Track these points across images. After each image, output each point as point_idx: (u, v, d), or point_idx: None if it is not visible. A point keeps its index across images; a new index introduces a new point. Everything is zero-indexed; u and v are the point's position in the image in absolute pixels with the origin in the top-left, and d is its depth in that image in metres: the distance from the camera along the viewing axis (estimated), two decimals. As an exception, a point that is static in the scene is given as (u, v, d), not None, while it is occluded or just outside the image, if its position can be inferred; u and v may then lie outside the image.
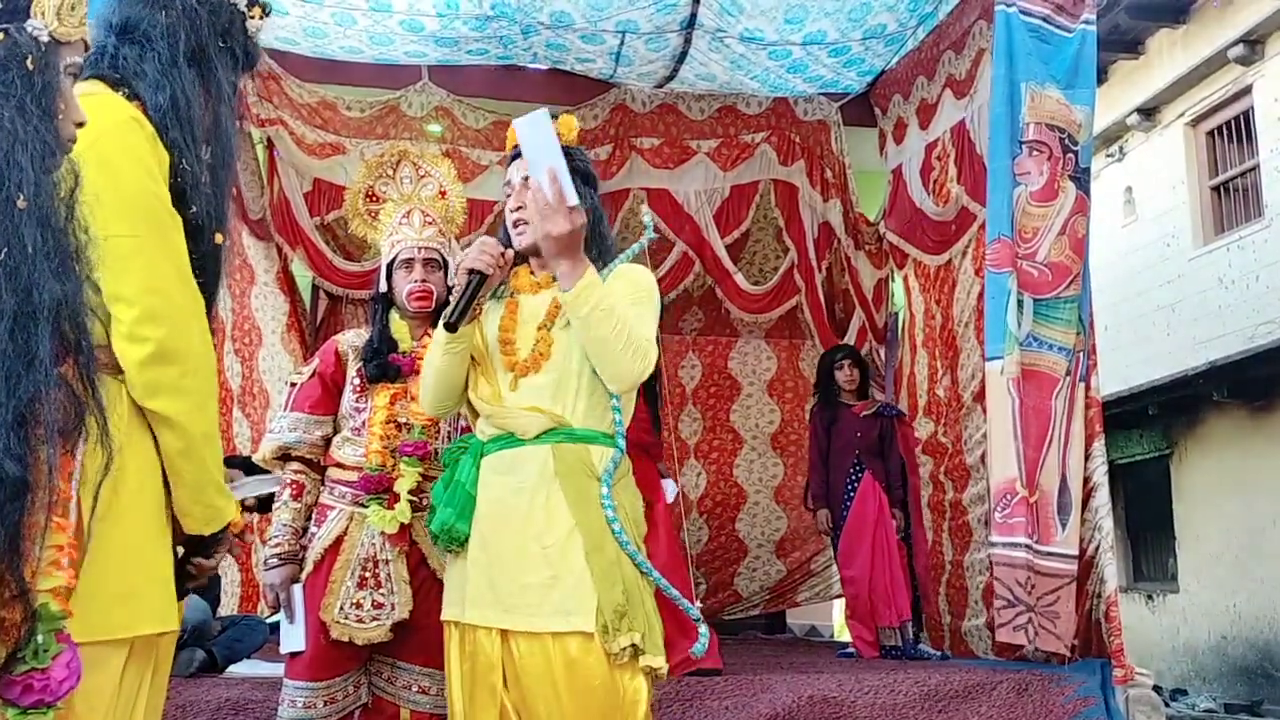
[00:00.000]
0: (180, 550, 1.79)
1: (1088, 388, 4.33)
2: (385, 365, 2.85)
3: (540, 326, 2.29)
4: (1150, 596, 11.24)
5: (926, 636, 5.78)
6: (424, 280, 2.87)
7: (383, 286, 2.94)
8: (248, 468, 3.59)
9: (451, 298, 2.28)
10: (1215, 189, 10.63)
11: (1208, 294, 10.32)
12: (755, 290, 6.90)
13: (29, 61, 1.40)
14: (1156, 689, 4.28)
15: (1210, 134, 10.67)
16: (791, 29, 5.62)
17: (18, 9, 1.41)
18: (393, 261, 2.91)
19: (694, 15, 5.48)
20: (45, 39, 1.43)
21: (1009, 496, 4.21)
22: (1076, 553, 4.21)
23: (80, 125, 1.51)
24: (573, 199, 2.13)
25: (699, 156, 6.66)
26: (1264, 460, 9.70)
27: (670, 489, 4.54)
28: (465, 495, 2.27)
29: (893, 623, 5.42)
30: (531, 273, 2.40)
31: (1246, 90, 9.95)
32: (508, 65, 6.16)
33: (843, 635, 7.06)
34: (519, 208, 2.36)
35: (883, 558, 5.47)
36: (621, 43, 5.75)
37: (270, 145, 6.12)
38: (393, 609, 2.73)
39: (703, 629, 2.39)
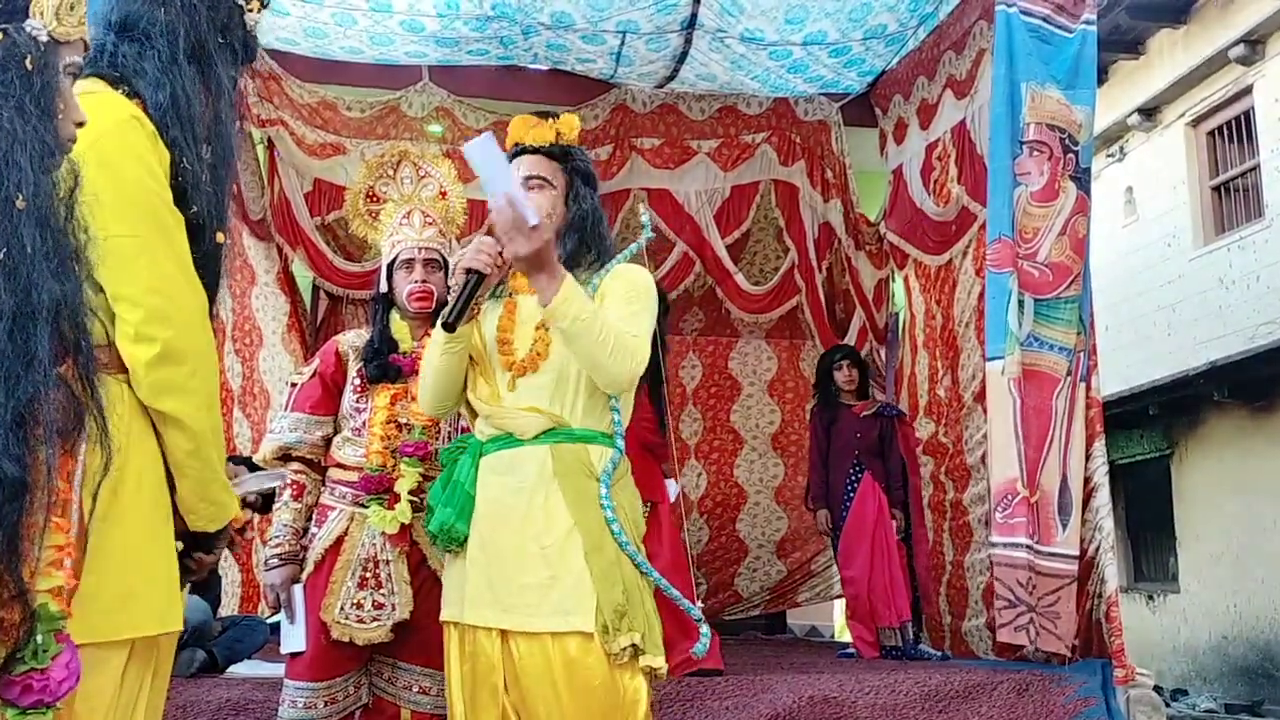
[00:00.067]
0: (180, 545, 1.79)
1: (1088, 388, 4.33)
2: (386, 365, 2.85)
3: (538, 326, 2.29)
4: (1151, 597, 11.24)
5: (927, 637, 5.77)
6: (424, 281, 2.87)
7: (383, 287, 2.94)
8: (248, 468, 3.59)
9: (450, 298, 2.28)
10: (1216, 189, 10.63)
11: (1208, 294, 10.31)
12: (756, 290, 6.91)
13: (27, 61, 1.39)
14: (1157, 689, 4.28)
15: (1211, 134, 10.67)
16: (792, 29, 5.62)
17: (16, 9, 1.41)
18: (393, 262, 2.91)
19: (694, 15, 5.48)
20: (44, 39, 1.42)
21: (1010, 497, 4.21)
22: (1077, 553, 4.21)
23: (80, 125, 1.51)
24: (532, 219, 2.10)
25: (699, 157, 6.66)
26: (1265, 460, 9.70)
27: (673, 489, 4.54)
28: (464, 495, 2.27)
29: (892, 623, 5.42)
30: None
31: (1247, 90, 9.95)
32: (508, 65, 6.16)
33: (843, 636, 7.06)
34: None
35: (882, 558, 5.46)
36: (622, 43, 5.75)
37: (271, 146, 6.12)
38: (393, 609, 2.73)
39: (704, 629, 2.39)
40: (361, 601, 2.73)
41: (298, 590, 2.79)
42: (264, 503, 3.20)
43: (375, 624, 2.73)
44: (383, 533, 2.76)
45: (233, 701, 3.56)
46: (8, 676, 1.36)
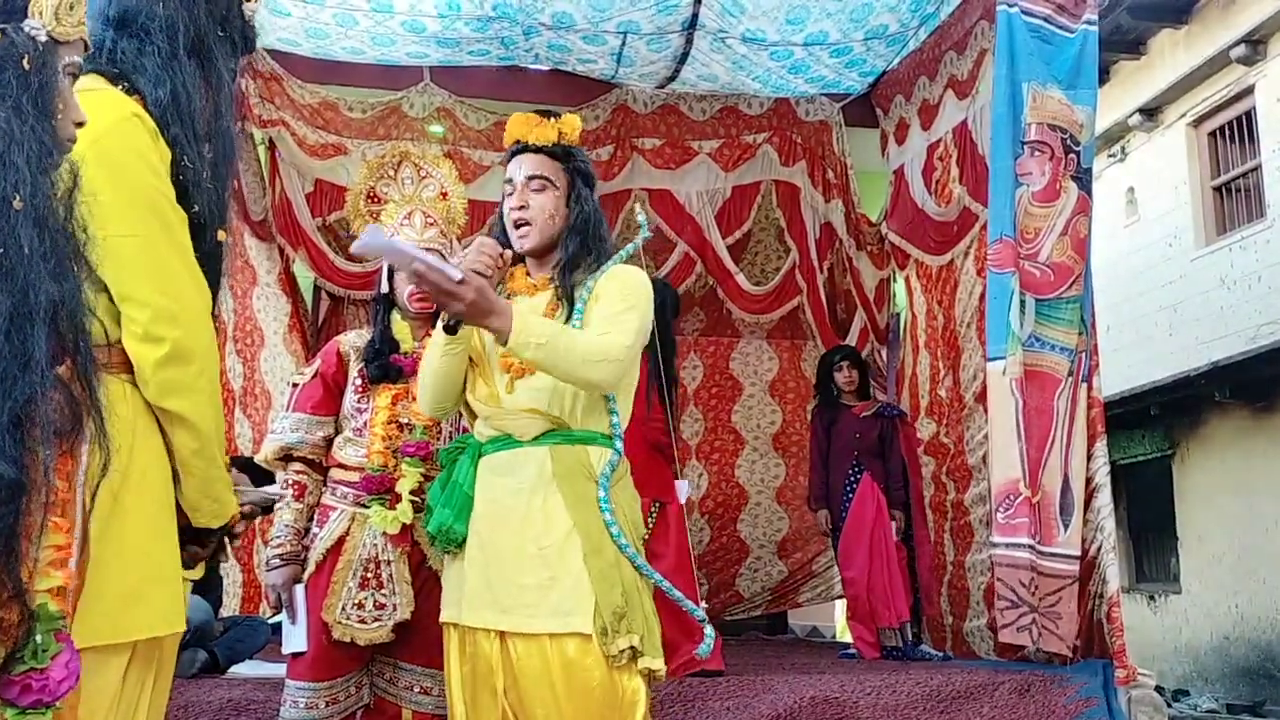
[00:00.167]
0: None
1: (1090, 388, 4.33)
2: (387, 366, 2.85)
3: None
4: (1152, 597, 11.23)
5: (928, 637, 5.77)
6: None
7: (384, 287, 2.94)
8: (249, 468, 3.59)
9: None
10: (1217, 189, 10.63)
11: (1210, 294, 10.31)
12: (757, 291, 6.91)
13: (25, 61, 1.39)
14: (1158, 690, 4.28)
15: (1212, 134, 10.67)
16: (793, 30, 5.62)
17: (15, 9, 1.40)
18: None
19: (695, 16, 5.48)
20: (43, 39, 1.42)
21: (1012, 497, 4.21)
22: (1079, 553, 4.21)
23: (80, 125, 1.50)
24: (455, 274, 2.06)
25: (700, 157, 6.66)
26: (1266, 461, 9.70)
27: (684, 490, 4.55)
28: (463, 496, 2.27)
29: (892, 623, 5.42)
30: (528, 274, 2.40)
31: (1249, 90, 9.95)
32: (509, 66, 6.16)
33: (844, 636, 7.05)
34: (521, 207, 2.35)
35: (881, 559, 5.47)
36: (623, 43, 5.75)
37: (272, 146, 6.12)
38: (394, 609, 2.73)
39: (708, 630, 2.38)
40: (363, 602, 2.73)
41: (299, 590, 2.79)
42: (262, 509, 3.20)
43: (376, 624, 2.73)
44: (384, 533, 2.76)
45: (234, 702, 3.56)
46: (7, 676, 1.36)
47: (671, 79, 6.27)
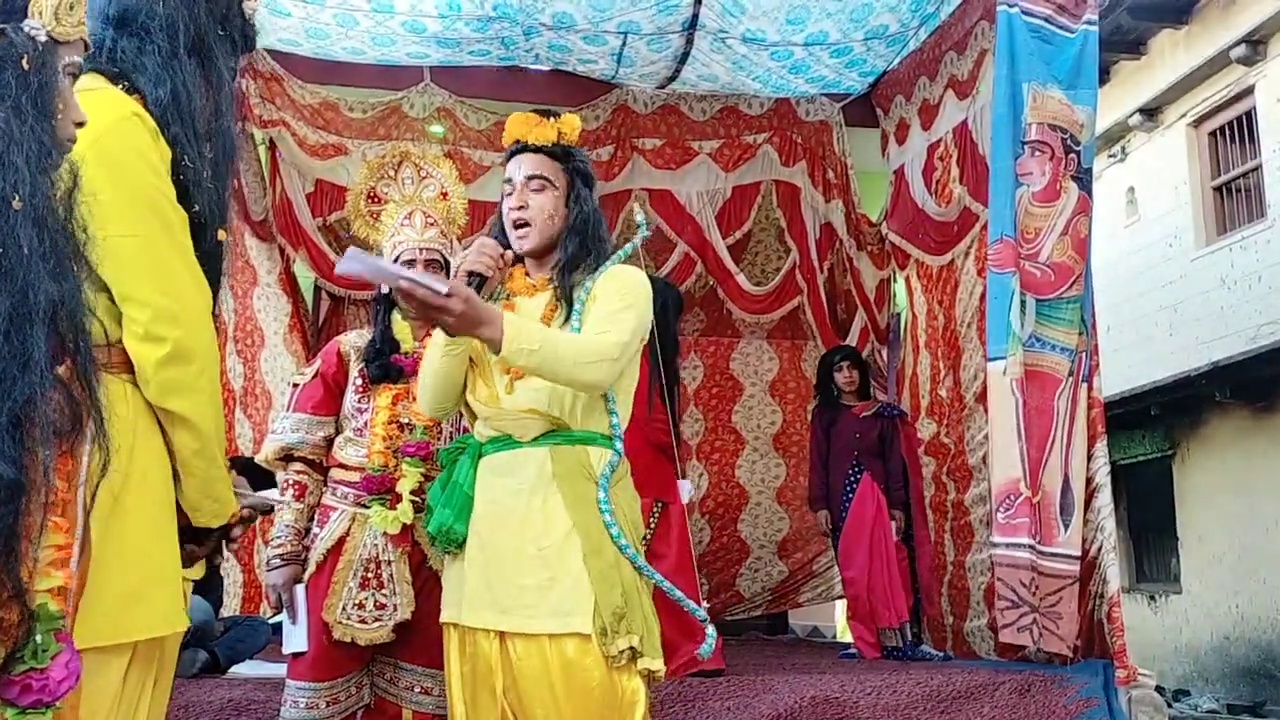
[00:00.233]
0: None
1: (1090, 388, 4.33)
2: (387, 366, 2.85)
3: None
4: (1153, 597, 11.23)
5: (929, 637, 5.77)
6: (425, 281, 2.86)
7: (385, 288, 2.94)
8: (249, 469, 3.59)
9: None
10: (1217, 189, 10.63)
11: (1210, 294, 10.31)
12: (757, 291, 6.90)
13: (25, 61, 1.39)
14: (1159, 690, 4.28)
15: (1212, 134, 10.67)
16: (793, 30, 5.61)
17: (14, 8, 1.40)
18: (394, 262, 2.91)
19: (696, 16, 5.48)
20: (42, 39, 1.42)
21: (1012, 497, 4.21)
22: (1079, 553, 4.21)
23: (80, 125, 1.50)
24: (441, 287, 2.04)
25: (701, 157, 6.66)
26: (1266, 461, 9.70)
27: (686, 490, 4.54)
28: (463, 496, 2.27)
29: (892, 623, 5.42)
30: (527, 274, 2.39)
31: (1249, 90, 9.95)
32: (510, 66, 6.16)
33: (845, 636, 7.05)
34: (520, 207, 2.35)
35: (880, 559, 5.46)
36: (623, 44, 5.75)
37: (272, 146, 6.12)
38: (395, 610, 2.73)
39: (710, 630, 2.37)
40: (363, 602, 2.74)
41: (300, 590, 2.79)
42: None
43: (377, 624, 2.73)
44: (384, 533, 2.76)
45: (235, 702, 3.56)
46: (7, 676, 1.36)
47: (672, 79, 6.27)
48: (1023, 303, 4.27)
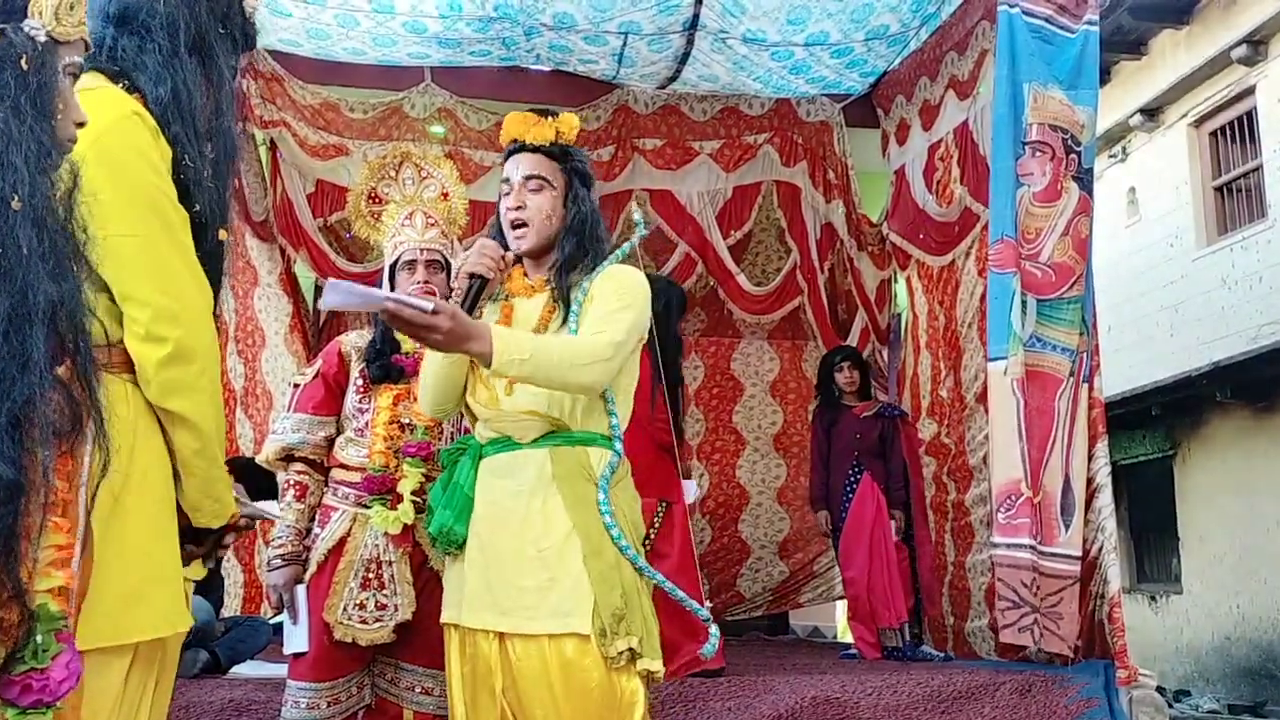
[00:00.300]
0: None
1: (1091, 388, 4.33)
2: (388, 366, 2.85)
3: (534, 331, 2.28)
4: (1153, 597, 11.23)
5: (929, 638, 5.77)
6: (427, 282, 2.86)
7: (385, 288, 2.94)
8: (250, 469, 3.59)
9: (452, 301, 2.27)
10: (1218, 189, 10.63)
11: (1211, 294, 10.31)
12: (758, 291, 6.90)
13: (24, 61, 1.39)
14: (1160, 690, 4.28)
15: (1213, 134, 10.66)
16: (794, 30, 5.61)
17: (14, 8, 1.40)
18: (395, 263, 2.91)
19: (696, 16, 5.48)
20: (42, 39, 1.42)
21: (1013, 497, 4.21)
22: (1080, 553, 4.21)
23: (81, 125, 1.50)
24: (427, 305, 2.02)
25: (701, 157, 6.66)
26: (1267, 461, 9.69)
27: (690, 490, 4.54)
28: (463, 498, 2.26)
29: (891, 624, 5.42)
30: (525, 274, 2.38)
31: (1250, 91, 9.95)
32: (510, 67, 6.16)
33: (846, 636, 7.05)
34: (518, 207, 2.34)
35: (880, 559, 5.46)
36: (624, 44, 5.75)
37: (273, 147, 6.13)
38: (396, 610, 2.73)
39: (713, 629, 2.37)
40: (364, 602, 2.74)
41: (301, 591, 2.80)
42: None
43: (378, 625, 2.73)
44: (385, 533, 2.76)
45: (235, 702, 3.56)
46: (7, 676, 1.36)
47: (672, 79, 6.27)
48: (1023, 303, 4.27)
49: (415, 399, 2.77)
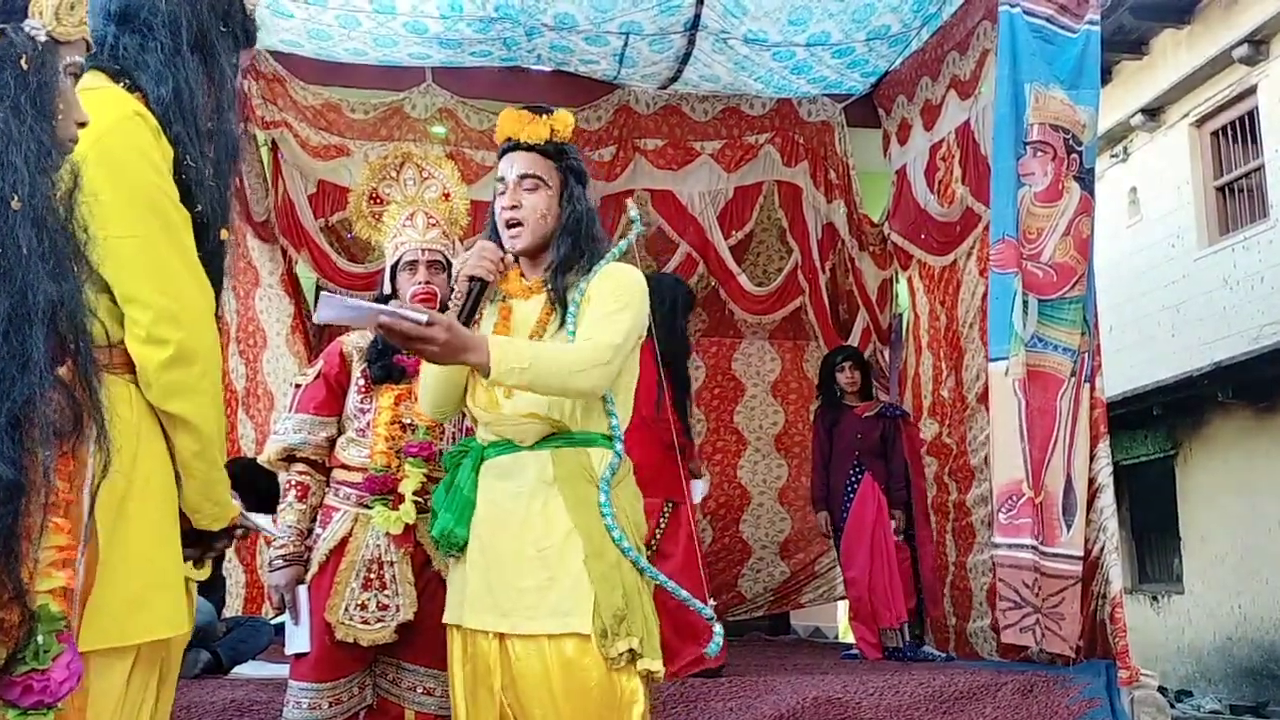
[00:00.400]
0: None
1: (1092, 388, 4.32)
2: (390, 366, 2.85)
3: (532, 334, 2.27)
4: (1155, 598, 11.22)
5: (931, 638, 5.77)
6: (428, 282, 2.87)
7: (387, 288, 2.94)
8: (251, 469, 3.59)
9: (452, 304, 2.26)
10: (1220, 189, 10.63)
11: (1212, 294, 10.30)
12: (759, 291, 6.90)
13: (24, 61, 1.38)
14: (1161, 690, 4.27)
15: (1215, 134, 10.66)
16: (795, 30, 5.61)
17: (14, 8, 1.40)
18: (397, 263, 2.91)
19: (698, 17, 5.48)
20: (42, 39, 1.42)
21: (1014, 498, 4.21)
22: (1081, 554, 4.20)
23: (83, 125, 1.50)
24: (420, 317, 2.01)
25: (703, 158, 6.66)
26: (1269, 461, 9.69)
27: (699, 489, 4.53)
28: (464, 500, 2.26)
29: (893, 624, 5.42)
30: (522, 275, 2.37)
31: (1251, 90, 9.94)
32: (511, 67, 6.16)
33: (847, 636, 7.05)
34: (513, 206, 2.33)
35: (881, 559, 5.46)
36: (625, 44, 5.75)
37: (275, 148, 6.13)
38: (397, 610, 2.73)
39: (717, 628, 2.36)
40: (366, 602, 2.74)
41: (302, 591, 2.80)
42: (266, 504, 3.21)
43: (379, 625, 2.73)
44: (387, 534, 2.76)
45: (237, 702, 3.56)
46: (8, 677, 1.36)
47: (674, 80, 6.27)
48: (1025, 303, 4.27)
49: (417, 399, 2.77)
